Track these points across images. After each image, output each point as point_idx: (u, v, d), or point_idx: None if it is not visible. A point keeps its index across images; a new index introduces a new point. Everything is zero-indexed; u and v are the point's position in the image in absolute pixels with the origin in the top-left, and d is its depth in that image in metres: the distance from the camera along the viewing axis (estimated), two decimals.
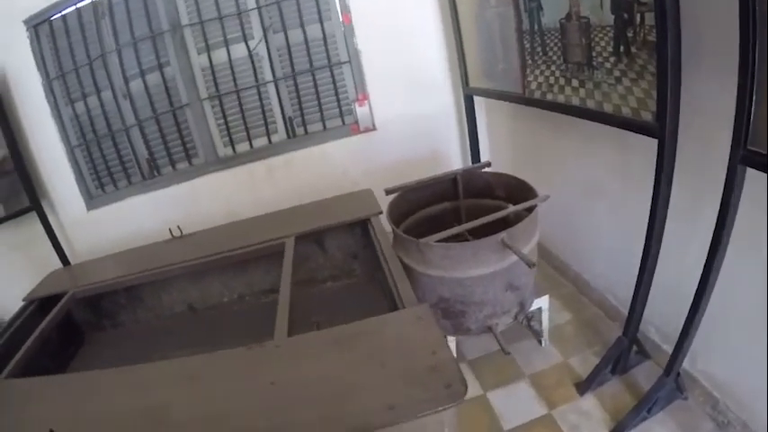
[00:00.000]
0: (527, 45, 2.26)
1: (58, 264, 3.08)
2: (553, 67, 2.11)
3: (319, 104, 3.33)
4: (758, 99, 1.20)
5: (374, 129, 3.36)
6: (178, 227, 2.65)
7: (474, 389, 2.25)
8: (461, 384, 1.17)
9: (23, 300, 2.38)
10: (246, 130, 3.34)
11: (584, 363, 2.24)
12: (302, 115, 3.35)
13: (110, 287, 2.33)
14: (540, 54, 2.17)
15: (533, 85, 2.30)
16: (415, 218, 2.49)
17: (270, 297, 2.46)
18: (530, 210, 1.98)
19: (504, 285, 1.97)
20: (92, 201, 3.37)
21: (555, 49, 2.07)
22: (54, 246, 3.15)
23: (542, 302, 2.29)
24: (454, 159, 3.60)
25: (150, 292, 2.48)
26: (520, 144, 3.12)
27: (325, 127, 3.38)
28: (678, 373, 1.82)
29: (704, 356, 1.85)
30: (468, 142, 3.35)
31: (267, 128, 3.35)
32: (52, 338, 2.17)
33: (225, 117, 3.30)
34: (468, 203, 2.49)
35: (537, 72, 2.25)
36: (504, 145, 3.34)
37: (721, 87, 1.39)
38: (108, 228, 3.36)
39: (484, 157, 3.36)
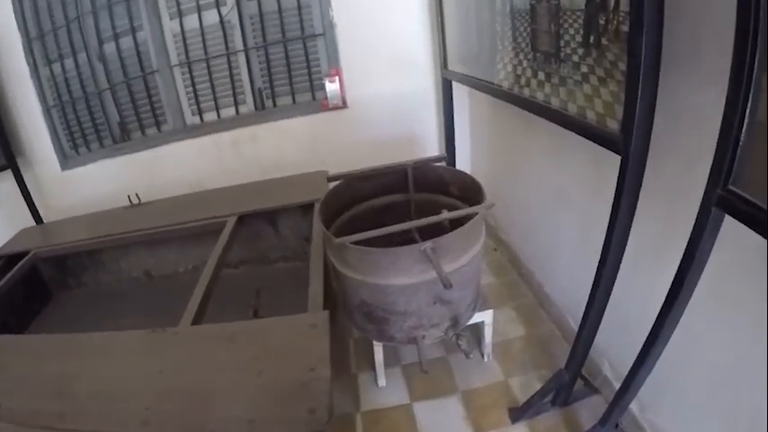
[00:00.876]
0: (498, 29, 1.82)
1: (33, 221, 3.00)
2: (521, 56, 1.67)
3: (290, 77, 2.91)
4: (751, 121, 0.78)
5: (344, 106, 2.92)
6: (137, 195, 2.52)
7: (401, 396, 1.92)
8: (326, 412, 1.02)
9: None
10: (215, 99, 2.96)
11: (526, 386, 1.86)
12: (272, 87, 2.94)
13: (71, 250, 2.29)
14: (510, 40, 1.73)
15: (501, 74, 1.86)
16: (362, 208, 2.09)
17: (222, 270, 2.17)
18: (468, 217, 1.57)
19: (432, 298, 1.59)
20: (66, 161, 3.15)
21: (524, 35, 1.62)
22: (28, 204, 3.01)
23: (485, 317, 1.91)
24: (430, 145, 3.14)
25: (110, 257, 2.42)
26: (497, 136, 2.68)
27: (294, 101, 2.97)
28: (617, 425, 1.45)
29: (655, 407, 1.47)
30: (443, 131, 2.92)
31: (235, 98, 2.95)
32: (17, 295, 2.17)
33: (194, 85, 2.94)
34: (419, 198, 2.08)
35: (506, 60, 1.80)
36: (482, 135, 2.90)
37: (721, 99, 0.84)
38: (81, 188, 3.14)
39: (461, 146, 2.94)
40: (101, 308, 2.30)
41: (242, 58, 2.87)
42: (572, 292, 1.97)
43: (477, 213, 1.52)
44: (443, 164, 2.04)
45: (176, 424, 1.08)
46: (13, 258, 2.25)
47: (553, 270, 2.17)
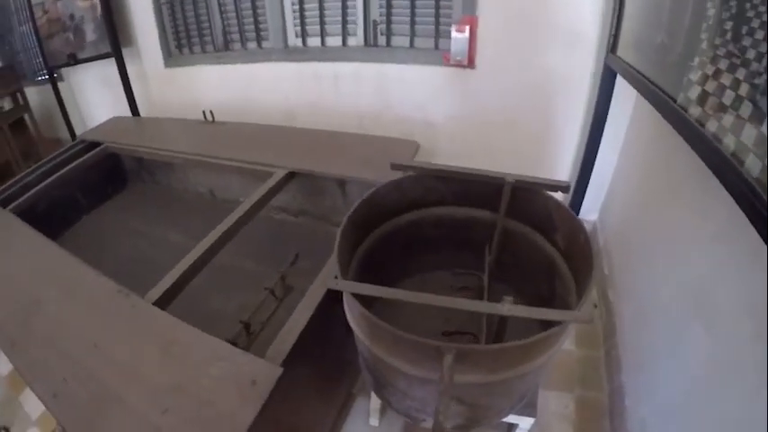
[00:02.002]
0: (710, 12, 1.04)
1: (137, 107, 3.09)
2: (740, 72, 0.91)
3: (412, 14, 2.30)
4: None
5: (470, 66, 2.25)
6: (210, 111, 2.39)
7: None
8: None
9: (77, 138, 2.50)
10: (322, 23, 2.50)
11: None
12: (389, 22, 2.36)
13: (138, 154, 2.33)
14: (730, 40, 0.96)
15: (692, 92, 1.10)
16: (429, 214, 1.53)
17: (281, 215, 2.33)
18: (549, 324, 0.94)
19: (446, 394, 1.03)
20: (170, 58, 3.05)
21: (761, 37, 0.86)
22: (126, 93, 3.06)
23: (522, 422, 1.31)
24: (566, 144, 2.37)
25: (179, 167, 2.43)
26: (651, 175, 1.84)
27: (412, 44, 2.36)
28: None
29: None
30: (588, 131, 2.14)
31: (345, 27, 2.44)
32: (90, 178, 2.37)
33: (302, 3, 2.49)
34: (511, 227, 1.44)
35: (712, 69, 1.04)
36: (634, 163, 2.04)
37: None
38: (181, 88, 3.06)
39: (604, 162, 2.16)
40: (162, 211, 2.39)
41: None
42: None
43: (559, 324, 0.89)
44: (561, 196, 1.35)
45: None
46: (94, 144, 2.38)
47: (646, 389, 1.46)
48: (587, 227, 2.48)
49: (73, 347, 1.14)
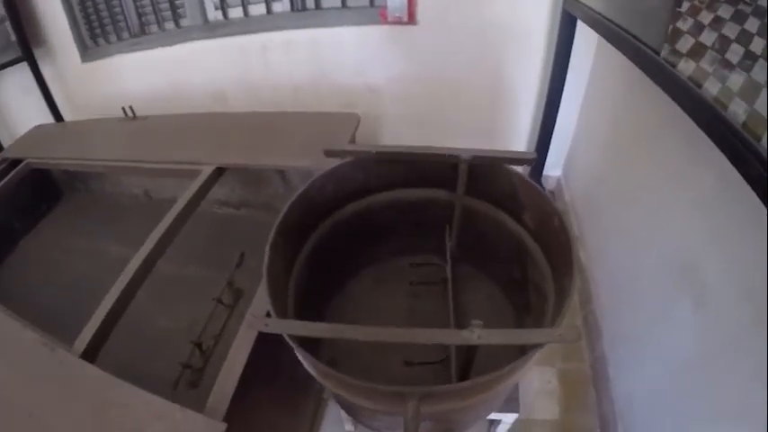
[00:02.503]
0: None
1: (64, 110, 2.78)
2: (750, 21, 0.73)
3: None
4: None
5: (411, 22, 2.00)
6: (131, 107, 2.12)
7: None
8: None
9: None
10: None
11: None
12: None
13: (62, 167, 2.12)
14: None
15: (686, 43, 0.90)
16: (377, 200, 1.33)
17: (223, 209, 2.17)
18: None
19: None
20: (86, 53, 2.63)
21: None
22: (45, 98, 2.70)
23: (505, 418, 1.20)
24: (524, 98, 2.15)
25: (110, 172, 2.18)
26: (619, 131, 1.66)
27: (344, 3, 2.09)
28: None
29: None
30: (547, 87, 1.96)
31: None
32: (19, 199, 2.11)
33: None
34: (471, 205, 1.26)
35: (706, 17, 0.84)
36: (599, 115, 1.86)
37: None
38: (101, 83, 2.68)
39: (566, 113, 1.98)
40: (100, 220, 2.22)
41: None
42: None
43: (537, 348, 0.72)
44: (525, 170, 1.16)
45: None
46: (15, 162, 2.08)
47: (631, 361, 1.35)
48: (551, 183, 2.34)
49: (8, 421, 0.99)
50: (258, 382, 1.08)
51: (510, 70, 2.07)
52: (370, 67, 2.17)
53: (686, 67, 0.85)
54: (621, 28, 1.15)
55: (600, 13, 1.31)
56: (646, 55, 0.99)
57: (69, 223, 2.26)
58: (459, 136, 2.28)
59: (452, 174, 1.18)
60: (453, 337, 0.71)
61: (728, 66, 0.74)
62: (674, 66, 0.89)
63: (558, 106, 1.90)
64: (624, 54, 1.13)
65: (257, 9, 2.18)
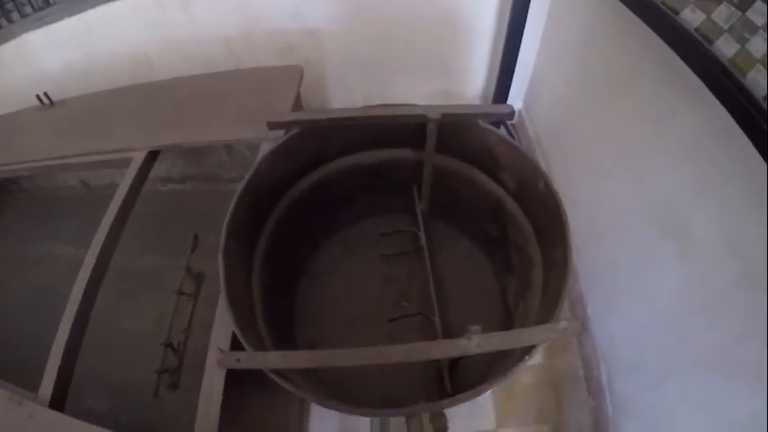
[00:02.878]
0: None
1: None
2: None
3: None
4: None
5: None
6: (45, 94, 1.83)
7: None
8: None
9: None
10: None
11: None
12: None
13: None
14: None
15: None
16: (337, 167, 1.20)
17: (167, 186, 2.03)
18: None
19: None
20: None
21: None
22: None
23: None
24: (480, 35, 1.96)
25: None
26: (589, 61, 1.52)
27: None
28: None
29: None
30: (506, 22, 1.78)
31: None
32: None
33: None
34: (442, 164, 1.15)
35: None
36: (564, 43, 1.70)
37: None
38: (15, 69, 2.29)
39: (526, 41, 1.82)
40: (41, 220, 2.07)
41: None
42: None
43: (529, 353, 0.65)
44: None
45: None
46: None
47: (610, 303, 1.33)
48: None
49: None
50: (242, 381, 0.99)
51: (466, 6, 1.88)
52: (307, 7, 1.92)
53: None
54: None
55: None
56: None
57: (8, 231, 2.12)
58: (412, 75, 2.11)
59: (418, 132, 1.06)
60: (450, 348, 0.63)
61: None
62: None
63: (522, 33, 1.73)
64: None
65: None
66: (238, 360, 0.65)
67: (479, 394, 0.60)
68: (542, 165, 1.85)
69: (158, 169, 1.84)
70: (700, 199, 0.88)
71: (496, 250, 1.20)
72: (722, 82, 0.69)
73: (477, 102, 2.18)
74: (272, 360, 0.66)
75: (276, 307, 1.12)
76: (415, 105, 0.98)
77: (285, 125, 1.01)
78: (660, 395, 1.04)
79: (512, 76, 1.86)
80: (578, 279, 1.55)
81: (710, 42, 0.74)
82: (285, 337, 1.12)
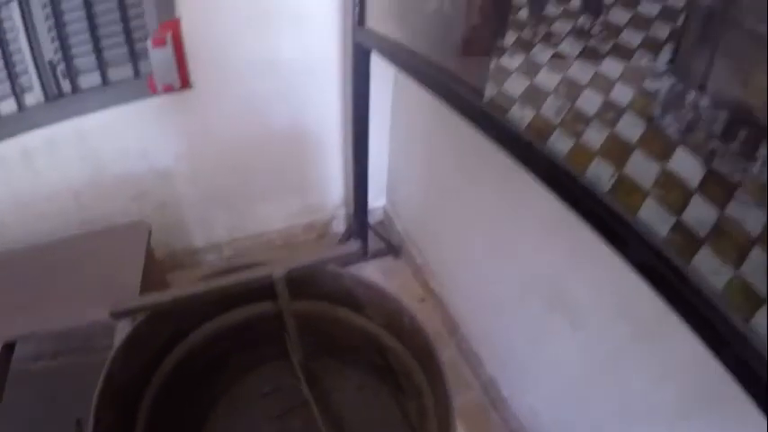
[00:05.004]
0: None
1: None
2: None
3: (95, 38, 1.62)
4: None
5: (185, 86, 1.69)
6: None
7: None
8: None
9: None
10: None
11: None
12: (68, 58, 1.64)
13: None
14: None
15: (511, 84, 0.79)
16: (199, 337, 1.04)
17: (37, 364, 1.57)
18: None
19: None
20: None
21: None
22: None
23: None
24: (331, 141, 2.02)
25: None
26: (440, 158, 1.60)
27: (105, 80, 1.71)
28: None
29: None
30: (350, 124, 1.82)
31: (14, 82, 1.62)
32: None
33: None
34: (301, 309, 1.05)
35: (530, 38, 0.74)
36: (412, 144, 1.81)
37: None
38: None
39: (377, 144, 1.87)
40: None
41: (16, 14, 1.51)
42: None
43: None
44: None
45: None
46: None
47: (524, 381, 1.31)
48: (378, 215, 2.23)
49: None
50: None
51: (309, 115, 1.92)
52: (152, 147, 1.81)
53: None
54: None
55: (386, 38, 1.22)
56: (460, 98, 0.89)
57: None
58: (272, 199, 2.07)
59: (271, 287, 0.97)
60: None
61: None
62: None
63: (367, 138, 1.80)
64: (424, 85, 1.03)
65: (7, 106, 1.65)
66: None
67: None
68: (417, 257, 1.87)
69: (24, 350, 1.52)
70: (575, 272, 0.90)
71: (387, 375, 1.11)
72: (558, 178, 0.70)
73: (339, 210, 2.21)
74: None
75: None
76: (262, 264, 0.89)
77: (129, 313, 0.88)
78: None
79: (366, 180, 1.89)
80: (484, 365, 1.52)
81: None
82: None
